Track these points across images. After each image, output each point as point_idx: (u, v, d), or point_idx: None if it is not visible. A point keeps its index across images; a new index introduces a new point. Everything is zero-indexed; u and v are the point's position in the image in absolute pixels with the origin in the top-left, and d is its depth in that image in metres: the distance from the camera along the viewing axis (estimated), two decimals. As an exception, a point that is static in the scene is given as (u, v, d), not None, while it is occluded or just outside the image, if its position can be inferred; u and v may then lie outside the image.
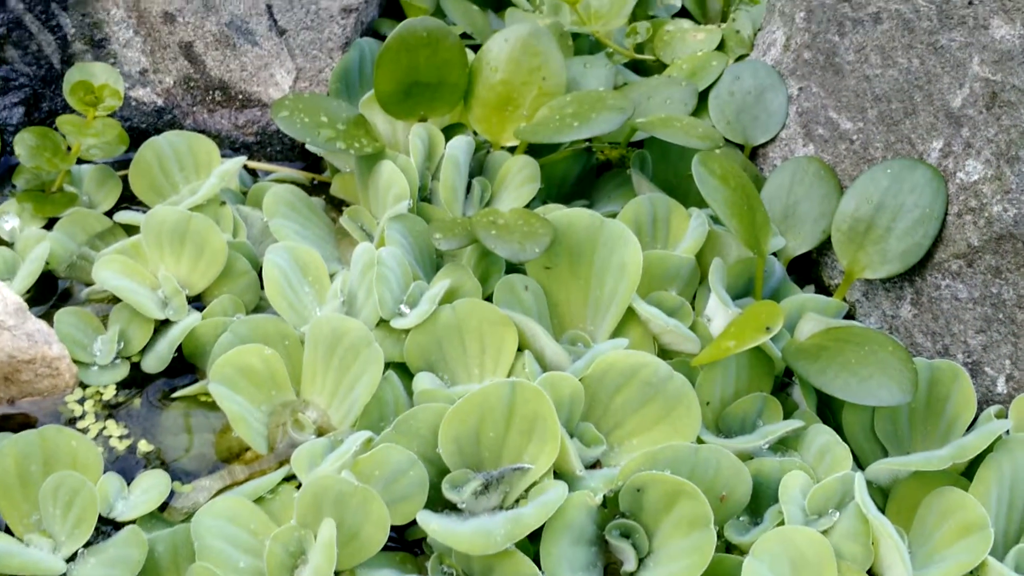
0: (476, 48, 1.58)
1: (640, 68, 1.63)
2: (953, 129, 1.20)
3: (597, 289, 1.17)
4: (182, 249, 1.17)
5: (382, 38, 1.51)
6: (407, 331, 1.10)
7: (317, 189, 1.42)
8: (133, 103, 1.39)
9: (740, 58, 1.58)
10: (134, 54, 1.37)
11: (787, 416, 1.13)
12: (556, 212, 1.17)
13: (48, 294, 1.21)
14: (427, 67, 1.28)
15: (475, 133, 1.36)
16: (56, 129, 1.26)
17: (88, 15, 1.34)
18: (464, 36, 1.57)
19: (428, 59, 1.28)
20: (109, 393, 1.11)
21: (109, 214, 1.30)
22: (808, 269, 1.36)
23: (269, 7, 1.37)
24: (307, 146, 1.38)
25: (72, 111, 1.31)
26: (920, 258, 1.20)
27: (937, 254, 1.20)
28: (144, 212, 1.31)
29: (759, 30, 1.57)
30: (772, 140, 1.43)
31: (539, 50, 1.32)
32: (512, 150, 1.34)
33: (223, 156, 1.41)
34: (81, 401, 1.09)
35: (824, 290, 1.34)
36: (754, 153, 1.45)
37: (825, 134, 1.36)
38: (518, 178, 1.29)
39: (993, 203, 1.14)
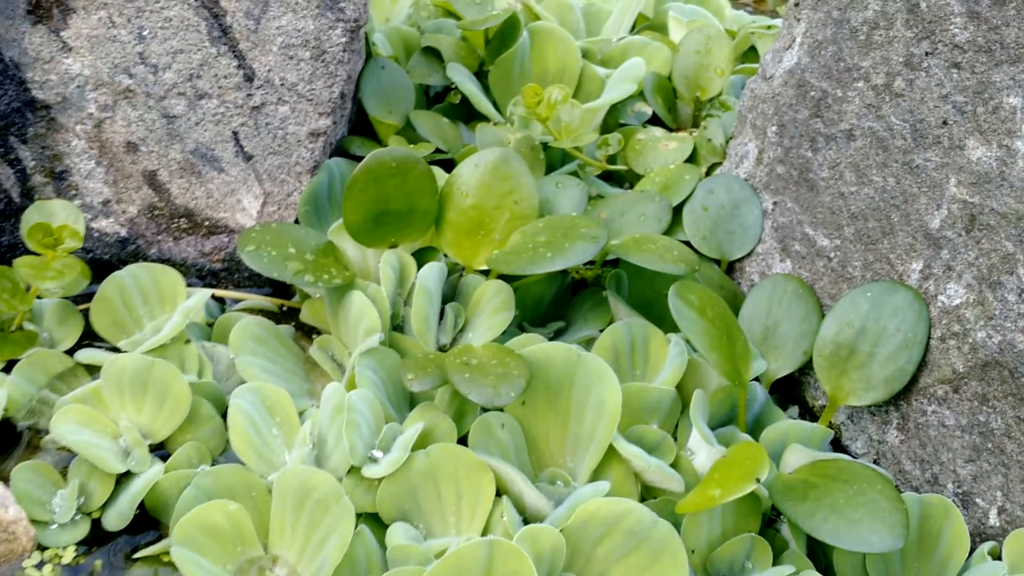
0: (447, 163, 1.57)
1: (613, 177, 1.62)
2: (933, 251, 1.18)
3: (576, 425, 1.13)
4: (144, 397, 1.12)
5: (351, 157, 1.49)
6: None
7: (286, 316, 1.38)
8: (96, 234, 1.35)
9: (713, 167, 1.57)
10: (96, 185, 1.33)
11: (777, 554, 1.09)
12: (532, 347, 1.14)
13: (6, 443, 1.16)
14: (397, 196, 1.26)
15: (447, 257, 1.33)
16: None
17: (48, 147, 1.31)
18: (436, 151, 1.55)
19: (397, 188, 1.25)
20: (69, 555, 1.05)
21: (71, 351, 1.26)
22: (791, 388, 1.33)
23: (235, 134, 1.35)
24: (275, 274, 1.35)
25: (32, 246, 1.27)
26: (905, 384, 1.17)
27: (922, 379, 1.18)
28: (107, 349, 1.27)
29: (731, 139, 1.56)
30: (749, 255, 1.41)
31: (510, 174, 1.30)
32: (486, 272, 1.32)
33: (190, 284, 1.38)
34: (39, 566, 1.04)
35: (808, 410, 1.31)
36: (731, 267, 1.43)
37: (802, 250, 1.34)
38: (492, 305, 1.26)
39: (977, 329, 1.12)
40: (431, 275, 1.24)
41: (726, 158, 1.52)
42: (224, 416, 1.16)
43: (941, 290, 1.16)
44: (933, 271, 1.18)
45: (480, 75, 1.75)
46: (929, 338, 1.17)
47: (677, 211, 1.43)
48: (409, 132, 1.59)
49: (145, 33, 1.29)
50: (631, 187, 1.62)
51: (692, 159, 1.58)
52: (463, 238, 1.30)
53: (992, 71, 1.12)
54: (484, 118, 1.65)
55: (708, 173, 1.57)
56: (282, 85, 1.35)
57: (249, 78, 1.34)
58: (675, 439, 1.18)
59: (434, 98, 1.78)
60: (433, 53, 1.74)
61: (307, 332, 1.36)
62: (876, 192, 1.25)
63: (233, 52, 1.32)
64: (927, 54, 1.20)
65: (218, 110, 1.34)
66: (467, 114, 1.69)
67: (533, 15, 1.79)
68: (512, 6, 1.78)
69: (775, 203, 1.39)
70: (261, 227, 1.27)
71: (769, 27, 1.91)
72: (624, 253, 1.26)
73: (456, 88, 1.69)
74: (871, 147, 1.26)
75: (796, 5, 1.39)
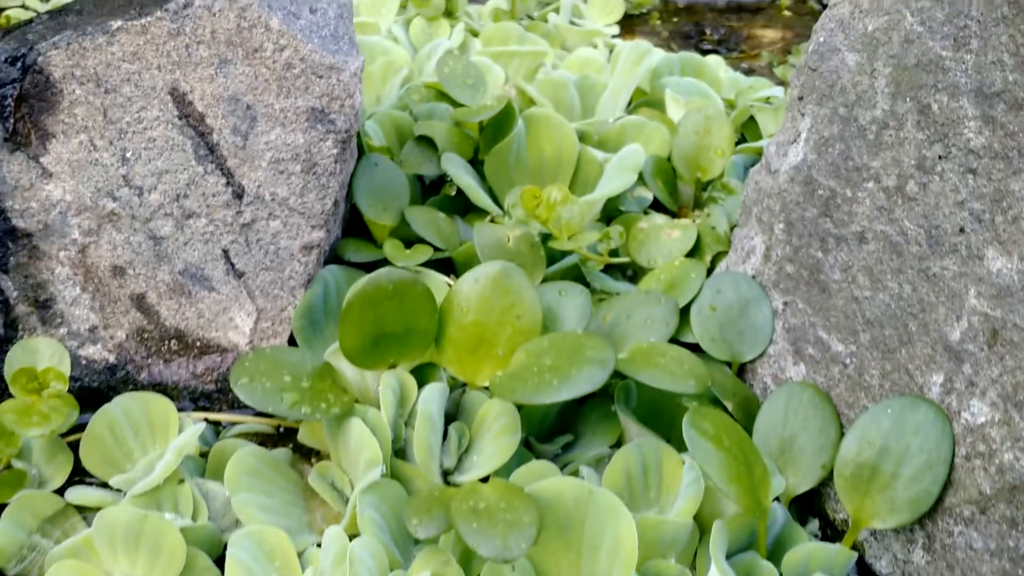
0: (445, 262, 1.53)
1: (616, 268, 1.57)
2: (954, 364, 1.13)
3: (590, 563, 1.08)
4: (137, 551, 1.07)
5: (346, 263, 1.45)
6: (386, 636, 1.01)
7: (284, 437, 1.33)
8: (83, 362, 1.30)
9: (718, 256, 1.52)
10: (82, 311, 1.29)
11: None
12: (541, 484, 1.09)
13: (-6, 598, 1.11)
14: (394, 318, 1.21)
15: (448, 373, 1.28)
16: None
17: (31, 276, 1.26)
18: (433, 248, 1.51)
19: (395, 311, 1.21)
20: None
21: (62, 489, 1.21)
22: (811, 499, 1.28)
23: (225, 251, 1.30)
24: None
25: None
26: (931, 506, 1.12)
27: (948, 498, 1.13)
28: (98, 485, 1.22)
29: (735, 227, 1.52)
30: (760, 356, 1.36)
31: (511, 288, 1.25)
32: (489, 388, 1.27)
33: (182, 408, 1.33)
34: None
35: (829, 523, 1.26)
36: (742, 369, 1.38)
37: (816, 354, 1.30)
38: (496, 426, 1.21)
39: (1003, 450, 1.07)
40: (433, 398, 1.19)
41: (732, 249, 1.48)
42: (221, 564, 1.11)
43: (964, 406, 1.12)
44: (955, 386, 1.13)
45: (475, 162, 1.71)
46: (954, 457, 1.12)
47: (684, 310, 1.38)
48: (404, 229, 1.55)
49: (128, 155, 1.25)
50: (635, 275, 1.58)
51: (696, 248, 1.53)
52: (465, 355, 1.26)
53: (1010, 179, 1.08)
54: (481, 210, 1.61)
55: (713, 263, 1.53)
56: (273, 200, 1.30)
57: (238, 195, 1.29)
58: (694, 569, 1.13)
59: (430, 186, 1.74)
60: (427, 141, 1.70)
61: (305, 454, 1.32)
62: (892, 299, 1.20)
63: (221, 170, 1.28)
64: (940, 158, 1.16)
65: (207, 229, 1.29)
66: (464, 206, 1.64)
67: (527, 99, 1.75)
68: (506, 90, 1.74)
69: (785, 303, 1.34)
70: (254, 354, 1.22)
71: (768, 99, 1.87)
72: (633, 371, 1.22)
73: (451, 180, 1.65)
74: (884, 251, 1.21)
75: (800, 99, 1.35)
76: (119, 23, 1.22)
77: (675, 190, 1.70)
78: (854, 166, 1.25)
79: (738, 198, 1.60)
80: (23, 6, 2.39)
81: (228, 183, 1.28)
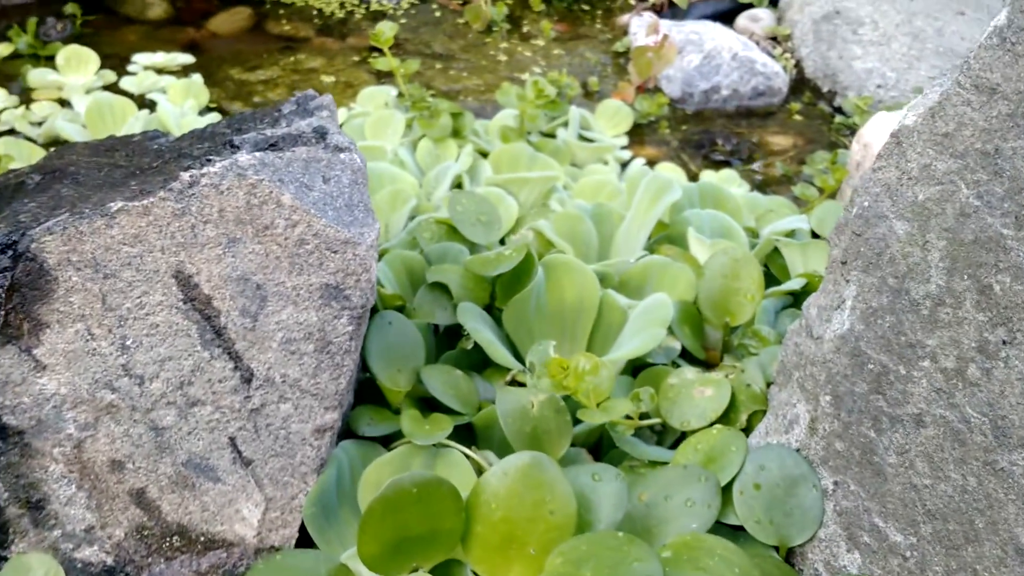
0: (465, 427, 1.43)
1: (650, 431, 1.48)
2: (1030, 572, 1.04)
3: None
4: None
5: (360, 438, 1.36)
6: None
7: (296, 639, 1.23)
8: (79, 565, 1.20)
9: (754, 415, 1.44)
10: (78, 511, 1.19)
11: None
12: None
13: None
14: (418, 522, 1.12)
15: (474, 572, 1.18)
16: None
17: (22, 476, 1.17)
18: (453, 412, 1.42)
19: (419, 514, 1.11)
20: None
21: None
22: None
23: (232, 439, 1.21)
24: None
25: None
26: None
27: None
28: None
29: (770, 383, 1.43)
30: (810, 540, 1.26)
31: (542, 481, 1.16)
32: (519, 585, 1.17)
33: (185, 610, 1.23)
34: None
35: None
36: (791, 553, 1.28)
37: (872, 543, 1.20)
38: (531, 635, 1.11)
39: (1096, 677, 0.98)
40: (460, 608, 1.09)
41: (770, 411, 1.39)
42: None
43: (1045, 620, 1.02)
44: (1034, 596, 1.04)
45: (491, 307, 1.63)
46: (1037, 677, 1.02)
47: (726, 487, 1.29)
48: (419, 389, 1.46)
49: (129, 343, 1.16)
50: (664, 430, 1.49)
51: (731, 406, 1.44)
52: (493, 554, 1.16)
53: (1086, 374, 1.00)
54: (498, 366, 1.52)
55: (749, 421, 1.44)
56: (283, 382, 1.21)
57: (247, 379, 1.20)
58: None
59: (445, 332, 1.65)
60: (440, 287, 1.62)
61: (320, 659, 1.21)
62: (955, 491, 1.11)
63: (228, 354, 1.19)
64: (1005, 343, 1.07)
65: (212, 416, 1.20)
66: (482, 360, 1.55)
67: (545, 240, 1.67)
68: (523, 235, 1.66)
69: (836, 483, 1.25)
70: (265, 564, 1.12)
71: (791, 233, 1.80)
72: (678, 572, 1.12)
73: (468, 334, 1.56)
74: (945, 438, 1.13)
75: (843, 263, 1.27)
76: (119, 204, 1.14)
77: (702, 334, 1.62)
78: (907, 342, 1.17)
79: (771, 349, 1.52)
80: (12, 131, 2.32)
81: (236, 367, 1.19)
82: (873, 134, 2.09)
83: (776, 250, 1.82)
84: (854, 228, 1.26)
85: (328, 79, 2.55)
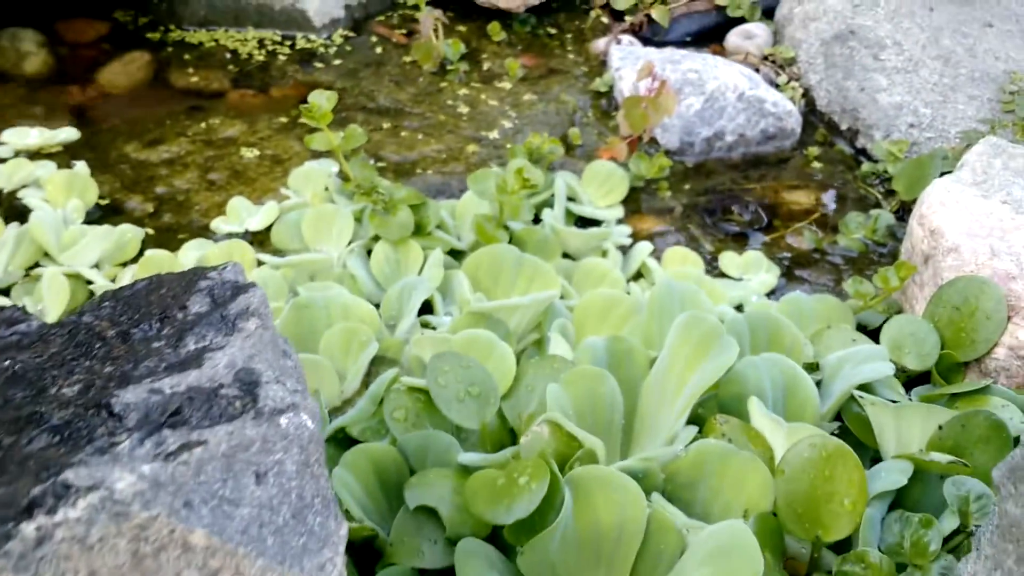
0: None
1: None
2: None
3: None
4: None
5: None
6: None
7: None
8: None
9: None
10: None
11: None
12: None
13: None
14: None
15: None
16: None
17: None
18: None
19: None
20: None
21: None
22: None
23: None
24: None
25: None
26: None
27: None
28: None
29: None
30: None
31: None
32: None
33: None
34: None
35: None
36: None
37: None
38: None
39: None
40: None
41: None
42: None
43: None
44: None
45: (496, 535, 1.19)
46: None
47: None
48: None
49: None
50: None
51: None
52: None
53: None
54: None
55: None
56: None
57: None
58: None
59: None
60: (426, 510, 1.18)
61: None
62: None
63: None
64: None
65: None
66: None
67: (564, 436, 1.23)
68: (536, 432, 1.22)
69: None
70: None
71: (870, 387, 1.39)
72: None
73: (473, 594, 1.12)
74: None
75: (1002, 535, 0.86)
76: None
77: (782, 552, 1.20)
78: None
79: (890, 589, 1.11)
80: None
81: None
82: (939, 215, 1.68)
83: (853, 408, 1.40)
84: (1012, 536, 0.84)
85: (250, 154, 2.05)
